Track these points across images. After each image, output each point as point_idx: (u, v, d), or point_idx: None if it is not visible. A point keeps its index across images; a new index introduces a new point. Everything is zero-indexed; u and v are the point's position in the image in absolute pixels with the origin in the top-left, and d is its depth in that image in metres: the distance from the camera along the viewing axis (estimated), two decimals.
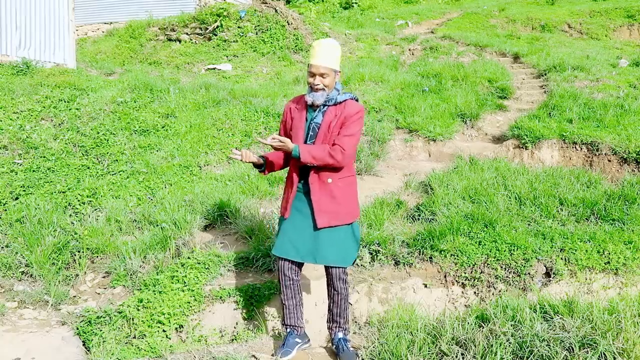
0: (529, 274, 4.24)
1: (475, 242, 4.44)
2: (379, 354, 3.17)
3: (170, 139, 7.09)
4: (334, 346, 3.42)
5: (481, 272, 4.30)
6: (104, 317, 4.02)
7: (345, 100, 3.29)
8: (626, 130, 6.85)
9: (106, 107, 7.69)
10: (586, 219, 5.01)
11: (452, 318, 3.33)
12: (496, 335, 3.03)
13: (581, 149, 6.77)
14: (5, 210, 5.42)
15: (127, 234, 5.22)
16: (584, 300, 3.33)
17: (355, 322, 4.08)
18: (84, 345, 3.91)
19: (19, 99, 7.52)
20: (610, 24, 16.07)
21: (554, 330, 2.97)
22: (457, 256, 4.34)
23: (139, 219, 5.37)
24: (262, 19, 13.10)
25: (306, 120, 3.32)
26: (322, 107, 3.28)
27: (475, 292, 4.29)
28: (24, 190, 5.70)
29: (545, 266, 4.31)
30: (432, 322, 3.36)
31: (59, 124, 7.17)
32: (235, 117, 7.58)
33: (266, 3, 13.77)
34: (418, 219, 5.14)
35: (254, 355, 3.38)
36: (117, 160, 6.50)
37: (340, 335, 3.42)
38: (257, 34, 12.83)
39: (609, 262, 4.29)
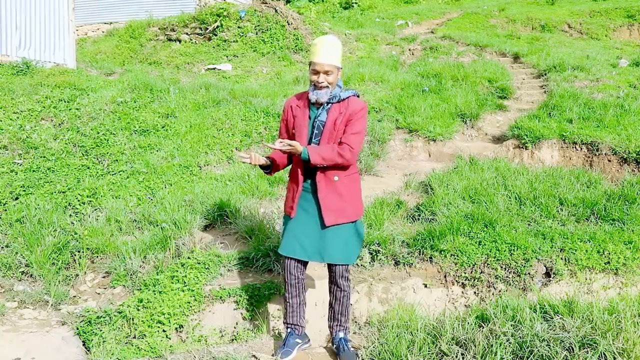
0: (529, 274, 4.25)
1: (475, 242, 4.44)
2: (379, 354, 3.17)
3: (170, 139, 7.09)
4: (335, 346, 3.42)
5: (481, 272, 4.30)
6: (104, 317, 4.02)
7: (348, 97, 3.29)
8: (626, 130, 6.85)
9: (106, 107, 7.69)
10: (586, 219, 5.01)
11: (452, 318, 3.33)
12: (496, 335, 3.03)
13: (581, 149, 6.77)
14: (5, 210, 5.42)
15: (127, 234, 5.22)
16: (584, 300, 3.32)
17: (355, 322, 4.08)
18: (84, 345, 3.91)
19: (19, 99, 7.52)
20: (610, 24, 16.07)
21: (554, 330, 2.97)
22: (457, 256, 4.34)
23: (139, 219, 5.37)
24: (262, 19, 13.10)
25: (309, 118, 3.31)
26: (325, 104, 3.27)
27: (475, 292, 4.29)
28: (24, 190, 5.70)
29: (545, 266, 4.31)
30: (432, 322, 3.36)
31: (59, 124, 7.17)
32: (235, 117, 7.58)
33: (266, 3, 13.77)
34: (418, 219, 5.14)
35: (254, 355, 3.38)
36: (117, 160, 6.50)
37: (341, 335, 3.42)
38: (257, 34, 12.83)
39: (609, 262, 4.29)
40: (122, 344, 3.81)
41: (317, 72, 3.19)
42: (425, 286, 4.30)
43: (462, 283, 4.31)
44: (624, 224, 4.74)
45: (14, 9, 9.05)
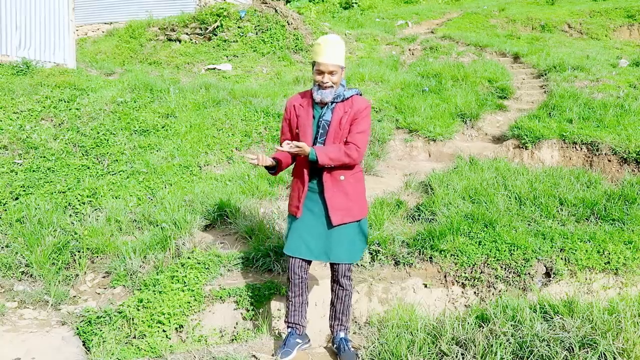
0: (529, 274, 4.25)
1: (475, 242, 4.44)
2: (379, 354, 3.17)
3: (170, 139, 7.09)
4: (335, 346, 3.42)
5: (481, 272, 4.30)
6: (104, 317, 4.02)
7: (352, 96, 3.29)
8: (626, 130, 6.85)
9: (106, 107, 7.69)
10: (586, 219, 5.01)
11: (452, 318, 3.33)
12: (496, 335, 3.03)
13: (581, 149, 6.77)
14: (5, 210, 5.42)
15: (127, 234, 5.22)
16: (584, 300, 3.32)
17: (355, 322, 4.08)
18: (84, 345, 3.91)
19: (19, 99, 7.52)
20: (610, 24, 16.07)
21: (554, 330, 2.97)
22: (457, 256, 4.34)
23: (139, 219, 5.37)
24: (262, 19, 13.10)
25: (313, 117, 3.31)
26: (330, 104, 3.27)
27: (475, 292, 4.29)
28: (24, 190, 5.70)
29: (545, 266, 4.31)
30: (432, 322, 3.36)
31: (59, 124, 7.17)
32: (235, 117, 7.58)
33: (266, 3, 13.77)
34: (418, 219, 5.14)
35: (254, 355, 3.38)
36: (117, 160, 6.50)
37: (342, 335, 3.42)
38: (257, 34, 12.83)
39: (609, 262, 4.29)
40: (122, 344, 3.81)
41: (321, 72, 3.19)
42: (425, 286, 4.30)
43: (462, 283, 4.31)
44: (624, 224, 4.74)
45: (14, 9, 9.05)
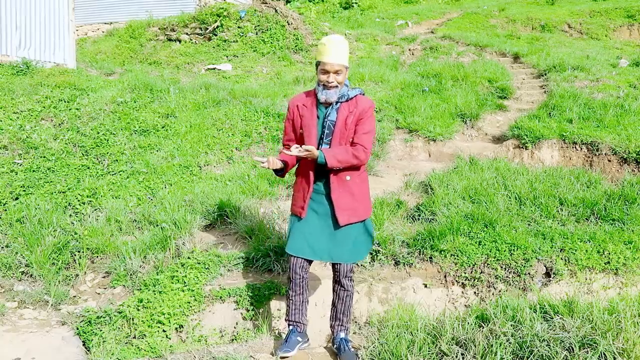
0: (529, 274, 4.25)
1: (475, 242, 4.44)
2: (379, 354, 3.17)
3: (170, 139, 7.09)
4: (335, 346, 3.42)
5: (481, 272, 4.30)
6: (104, 317, 4.02)
7: (355, 96, 3.30)
8: (626, 130, 6.85)
9: (106, 107, 7.69)
10: (586, 219, 5.01)
11: (452, 318, 3.33)
12: (496, 335, 3.03)
13: (581, 149, 6.77)
14: (5, 210, 5.42)
15: (127, 234, 5.22)
16: (584, 300, 3.32)
17: (355, 322, 4.08)
18: (84, 345, 3.91)
19: (19, 99, 7.52)
20: (610, 24, 16.07)
21: (554, 330, 2.97)
22: (457, 256, 4.34)
23: (139, 219, 5.37)
24: (262, 19, 13.10)
25: (318, 117, 3.30)
26: (334, 104, 3.27)
27: (475, 292, 4.29)
28: (24, 190, 5.70)
29: (545, 266, 4.31)
30: (432, 322, 3.36)
31: (59, 124, 7.17)
32: (235, 117, 7.58)
33: (266, 3, 13.77)
34: (418, 219, 5.14)
35: (252, 356, 3.38)
36: (117, 160, 6.50)
37: (342, 335, 3.43)
38: (257, 34, 12.83)
39: (609, 262, 4.29)
40: (122, 344, 3.81)
41: (326, 72, 3.19)
42: (425, 286, 4.30)
43: (462, 283, 4.32)
44: (624, 224, 4.74)
45: (14, 9, 9.04)
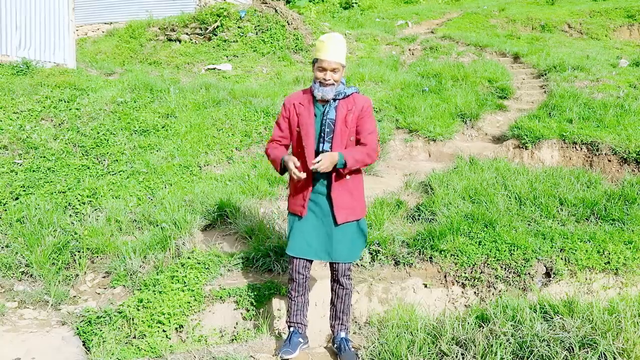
0: (529, 274, 4.25)
1: (475, 242, 4.44)
2: (379, 354, 3.17)
3: (170, 139, 7.09)
4: (335, 346, 3.42)
5: (481, 272, 4.30)
6: (104, 317, 4.02)
7: (352, 94, 3.30)
8: (626, 130, 6.85)
9: (106, 107, 7.69)
10: (586, 219, 5.01)
11: (452, 318, 3.33)
12: (496, 335, 3.03)
13: (581, 149, 6.77)
14: (5, 210, 5.42)
15: (127, 234, 5.22)
16: (584, 300, 3.32)
17: (355, 322, 4.08)
18: (84, 345, 3.91)
19: (19, 99, 7.52)
20: (610, 24, 16.07)
21: (554, 330, 2.97)
22: (457, 256, 4.34)
23: (139, 219, 5.37)
24: (262, 19, 13.10)
25: (315, 116, 3.30)
26: (332, 101, 3.27)
27: (475, 292, 4.29)
28: (24, 190, 5.70)
29: (545, 266, 4.31)
30: (432, 322, 3.36)
31: (59, 124, 7.17)
32: (235, 117, 7.58)
33: (266, 3, 13.77)
34: (418, 219, 5.14)
35: (252, 356, 3.38)
36: (117, 160, 6.51)
37: (343, 334, 3.43)
38: (257, 34, 12.83)
39: (609, 262, 4.29)
40: (122, 344, 3.81)
41: (323, 70, 3.19)
42: (425, 286, 4.30)
43: (462, 283, 4.31)
44: (624, 224, 4.74)
45: (14, 9, 9.04)
